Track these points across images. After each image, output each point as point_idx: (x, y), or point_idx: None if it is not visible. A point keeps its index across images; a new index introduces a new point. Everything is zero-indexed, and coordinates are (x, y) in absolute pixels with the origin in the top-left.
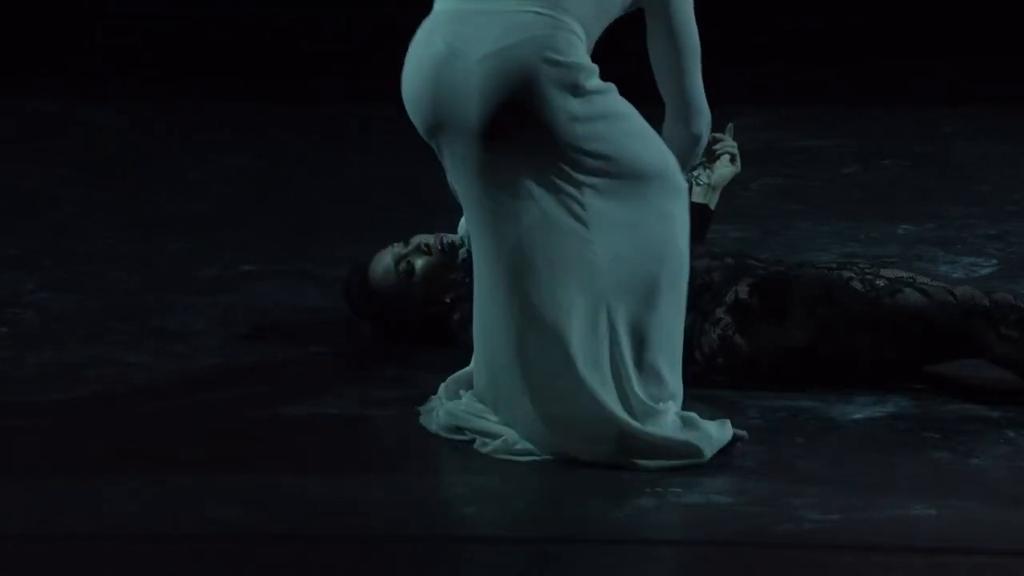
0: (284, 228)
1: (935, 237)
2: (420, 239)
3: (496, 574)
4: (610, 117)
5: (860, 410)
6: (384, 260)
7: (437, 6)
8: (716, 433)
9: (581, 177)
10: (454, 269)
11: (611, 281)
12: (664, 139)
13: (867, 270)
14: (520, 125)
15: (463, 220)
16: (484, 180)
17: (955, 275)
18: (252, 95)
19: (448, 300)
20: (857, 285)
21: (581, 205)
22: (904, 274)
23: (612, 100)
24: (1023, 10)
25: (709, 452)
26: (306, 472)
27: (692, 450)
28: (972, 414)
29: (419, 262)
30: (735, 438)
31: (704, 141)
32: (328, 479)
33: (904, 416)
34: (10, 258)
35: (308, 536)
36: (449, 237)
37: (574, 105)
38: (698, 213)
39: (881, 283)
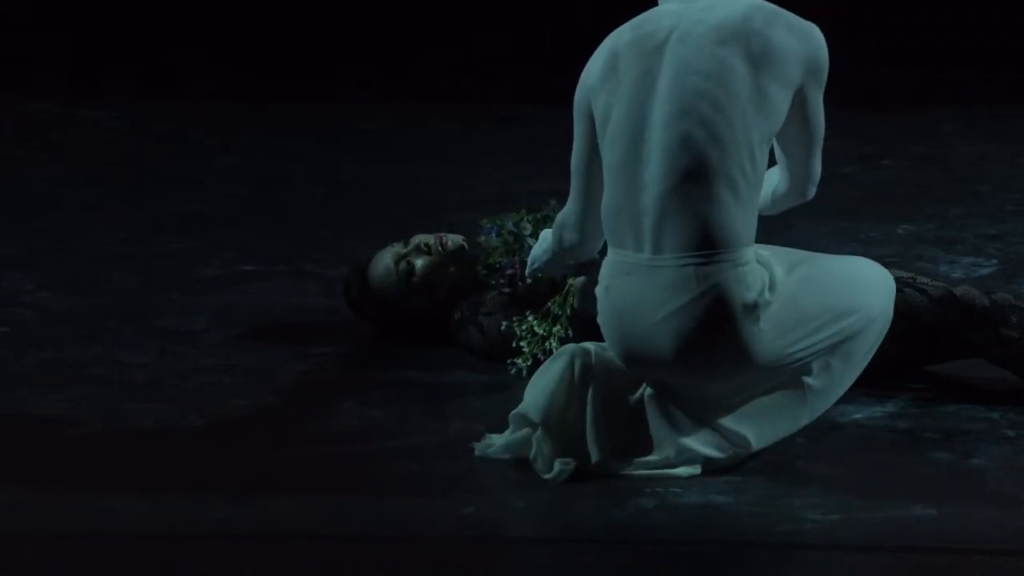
0: (284, 228)
1: (935, 237)
2: (420, 239)
3: (496, 574)
4: (794, 313)
5: (860, 410)
6: (384, 260)
7: (609, 254)
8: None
9: (790, 363)
10: (453, 269)
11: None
12: (772, 195)
13: None
14: (716, 363)
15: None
16: (685, 390)
17: (955, 275)
18: (250, 95)
19: (448, 300)
20: None
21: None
22: (904, 274)
23: (783, 298)
24: (1022, 11)
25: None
26: (305, 472)
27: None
28: (972, 414)
29: (419, 262)
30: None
31: None
32: (327, 479)
33: (904, 416)
34: (10, 258)
35: (308, 536)
36: (449, 237)
37: (763, 324)
38: None
39: None
